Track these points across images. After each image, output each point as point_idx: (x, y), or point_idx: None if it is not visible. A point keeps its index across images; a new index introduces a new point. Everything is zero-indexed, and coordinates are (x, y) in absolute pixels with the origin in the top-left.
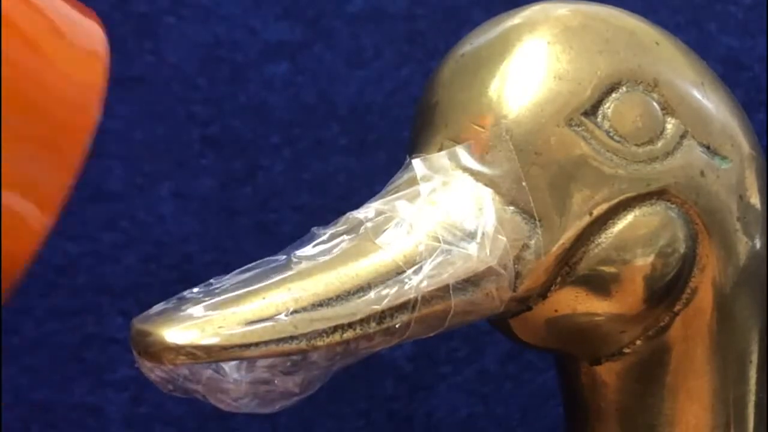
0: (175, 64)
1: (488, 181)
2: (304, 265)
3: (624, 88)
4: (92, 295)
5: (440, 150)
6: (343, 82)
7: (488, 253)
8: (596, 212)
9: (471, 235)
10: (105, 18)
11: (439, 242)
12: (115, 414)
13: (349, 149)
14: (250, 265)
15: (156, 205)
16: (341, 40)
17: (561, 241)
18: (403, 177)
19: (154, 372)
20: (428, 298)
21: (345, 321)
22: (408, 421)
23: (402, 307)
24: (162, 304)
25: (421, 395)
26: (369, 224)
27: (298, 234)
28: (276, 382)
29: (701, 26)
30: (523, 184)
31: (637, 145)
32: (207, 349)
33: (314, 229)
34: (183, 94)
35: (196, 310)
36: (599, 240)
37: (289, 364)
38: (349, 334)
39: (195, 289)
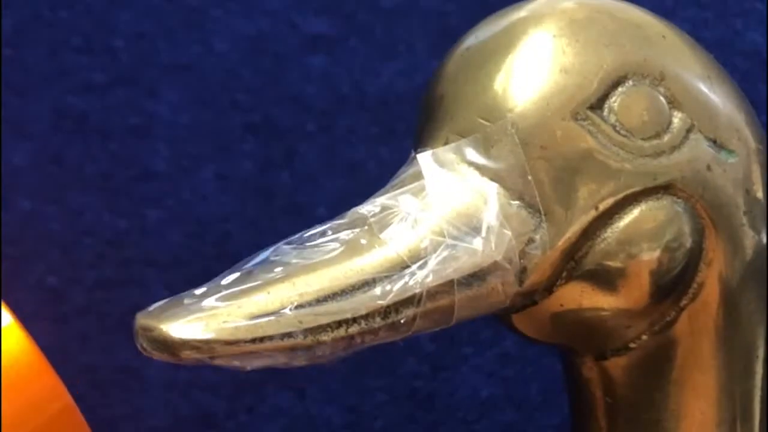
0: (221, 55)
1: (493, 176)
2: (309, 260)
3: (630, 82)
4: (138, 267)
5: (445, 144)
6: (376, 74)
7: (493, 248)
8: (602, 206)
9: (476, 230)
10: (158, 9)
11: (444, 237)
12: (156, 378)
13: (379, 137)
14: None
15: (199, 185)
16: (375, 34)
17: (567, 236)
18: (407, 171)
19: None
20: (433, 293)
21: (350, 316)
22: (429, 399)
23: (407, 302)
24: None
25: (443, 375)
26: (373, 219)
27: (330, 215)
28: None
29: (728, 22)
30: (529, 178)
31: (643, 139)
32: (211, 344)
33: (317, 226)
34: (227, 83)
35: (200, 304)
36: (605, 234)
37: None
38: (353, 329)
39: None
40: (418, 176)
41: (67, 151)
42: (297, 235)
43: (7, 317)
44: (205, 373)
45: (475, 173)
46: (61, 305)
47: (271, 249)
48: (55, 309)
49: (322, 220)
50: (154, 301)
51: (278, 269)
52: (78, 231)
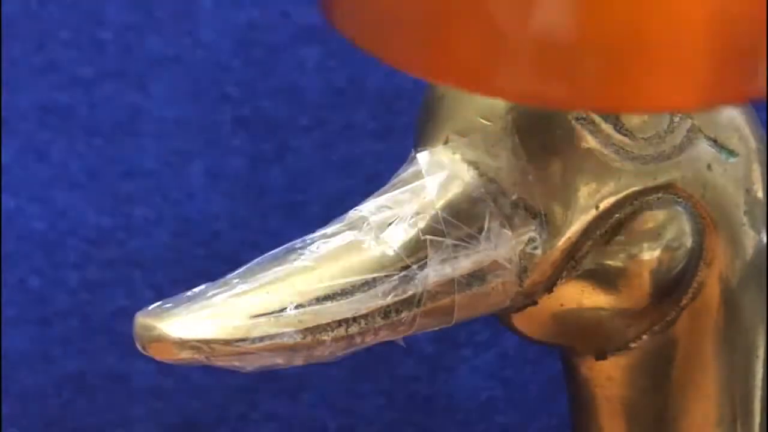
0: (210, 46)
1: (494, 175)
2: (309, 259)
3: None
4: (124, 268)
5: (446, 143)
6: (373, 66)
7: (494, 248)
8: (602, 206)
9: (476, 230)
10: (146, 0)
11: (444, 236)
12: (142, 384)
13: (377, 133)
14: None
15: (187, 182)
16: None
17: (567, 235)
18: (408, 171)
19: None
20: (433, 293)
21: (350, 315)
22: (428, 402)
23: (407, 302)
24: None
25: (441, 377)
26: (373, 219)
27: (324, 214)
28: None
29: None
30: (529, 177)
31: (643, 138)
32: (211, 343)
33: (319, 231)
34: (216, 75)
35: (200, 304)
36: (605, 234)
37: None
38: (354, 329)
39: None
40: (418, 176)
41: (52, 148)
42: (300, 239)
43: None
44: (192, 378)
45: (476, 173)
46: (43, 307)
47: (277, 254)
48: (38, 311)
49: (316, 219)
50: (140, 303)
51: (278, 269)
52: (62, 230)
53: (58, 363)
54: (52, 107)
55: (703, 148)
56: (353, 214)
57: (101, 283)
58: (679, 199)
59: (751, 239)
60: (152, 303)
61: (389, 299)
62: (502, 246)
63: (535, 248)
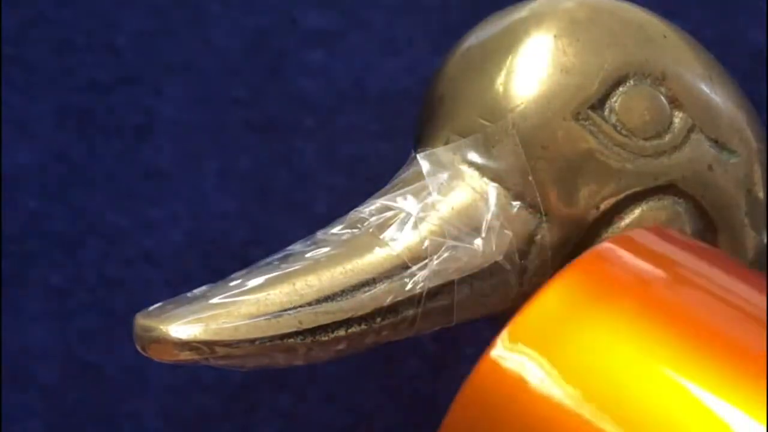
0: (221, 51)
1: (494, 176)
2: (308, 260)
3: (631, 82)
4: (140, 265)
5: (446, 144)
6: (376, 69)
7: (494, 249)
8: (603, 207)
9: (477, 231)
10: (159, 6)
11: (445, 237)
12: (156, 378)
13: (380, 134)
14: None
15: (200, 184)
16: (376, 29)
17: (567, 236)
18: (408, 171)
19: None
20: (433, 294)
21: (350, 316)
22: (432, 400)
23: (407, 303)
24: (167, 300)
25: (445, 375)
26: (374, 220)
27: (328, 213)
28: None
29: (731, 20)
30: (530, 178)
31: (644, 139)
32: (211, 344)
33: (319, 232)
34: (227, 79)
35: (200, 305)
36: (606, 235)
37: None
38: (353, 330)
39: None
40: (419, 176)
41: (71, 150)
42: (301, 240)
43: None
44: (204, 374)
45: (476, 173)
46: (64, 303)
47: (277, 254)
48: (59, 307)
49: (321, 218)
50: (156, 300)
51: (278, 270)
52: (81, 229)
53: (78, 356)
54: (70, 111)
55: (704, 149)
56: (354, 214)
57: (119, 281)
58: (680, 200)
59: (751, 240)
60: (167, 299)
61: (389, 300)
62: (503, 247)
63: (536, 249)
